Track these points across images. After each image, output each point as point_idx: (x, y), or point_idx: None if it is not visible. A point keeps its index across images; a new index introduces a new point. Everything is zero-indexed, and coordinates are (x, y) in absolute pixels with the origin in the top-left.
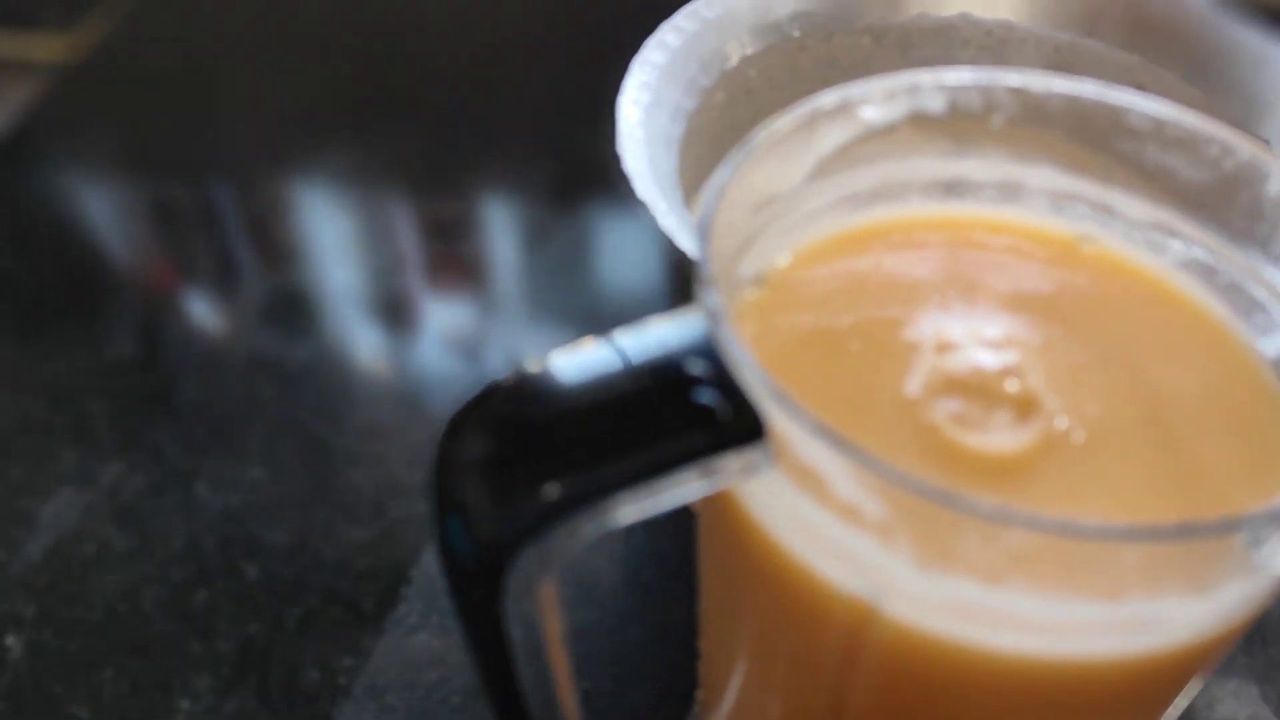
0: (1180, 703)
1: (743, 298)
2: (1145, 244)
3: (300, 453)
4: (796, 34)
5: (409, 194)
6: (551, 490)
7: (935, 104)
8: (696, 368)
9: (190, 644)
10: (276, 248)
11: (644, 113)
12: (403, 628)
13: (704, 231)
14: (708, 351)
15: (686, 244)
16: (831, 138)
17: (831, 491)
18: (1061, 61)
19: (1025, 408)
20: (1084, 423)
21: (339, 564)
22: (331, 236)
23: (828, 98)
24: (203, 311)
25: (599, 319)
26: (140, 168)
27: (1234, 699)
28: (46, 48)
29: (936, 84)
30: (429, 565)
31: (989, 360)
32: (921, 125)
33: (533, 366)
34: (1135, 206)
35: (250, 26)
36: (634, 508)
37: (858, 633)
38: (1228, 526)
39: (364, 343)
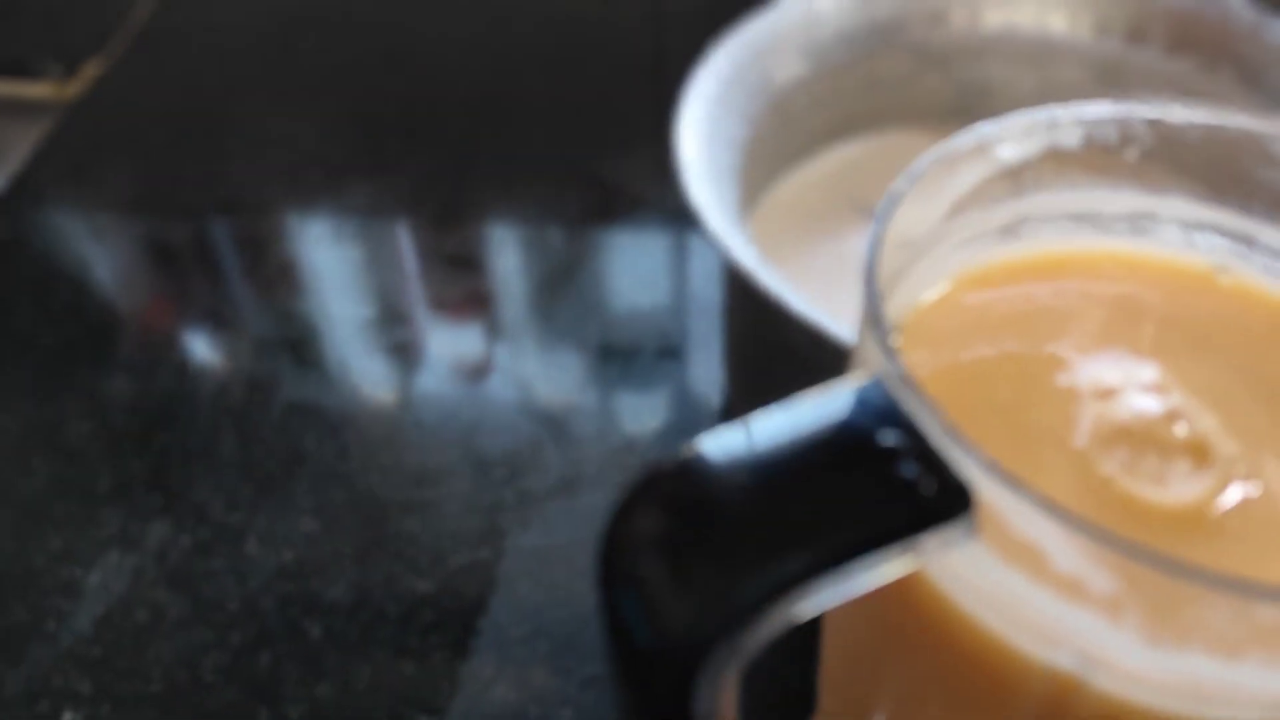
0: None
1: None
2: None
3: (351, 503)
4: (840, 55)
5: (425, 225)
6: (751, 580)
7: (1071, 139)
8: (889, 438)
9: (258, 712)
10: (297, 287)
11: (702, 147)
12: (478, 681)
13: (871, 292)
14: (898, 419)
15: (766, 280)
16: (968, 178)
17: (1049, 565)
18: (1109, 73)
19: (1199, 454)
20: (1258, 466)
21: (404, 617)
22: (348, 273)
23: (964, 139)
24: (231, 358)
25: (622, 348)
26: (149, 209)
27: None
28: (47, 91)
29: (1073, 119)
30: (497, 614)
31: (1152, 405)
32: (1058, 159)
33: (689, 450)
34: (1273, 235)
35: (253, 61)
36: (830, 594)
37: (1056, 712)
38: None
39: (402, 385)
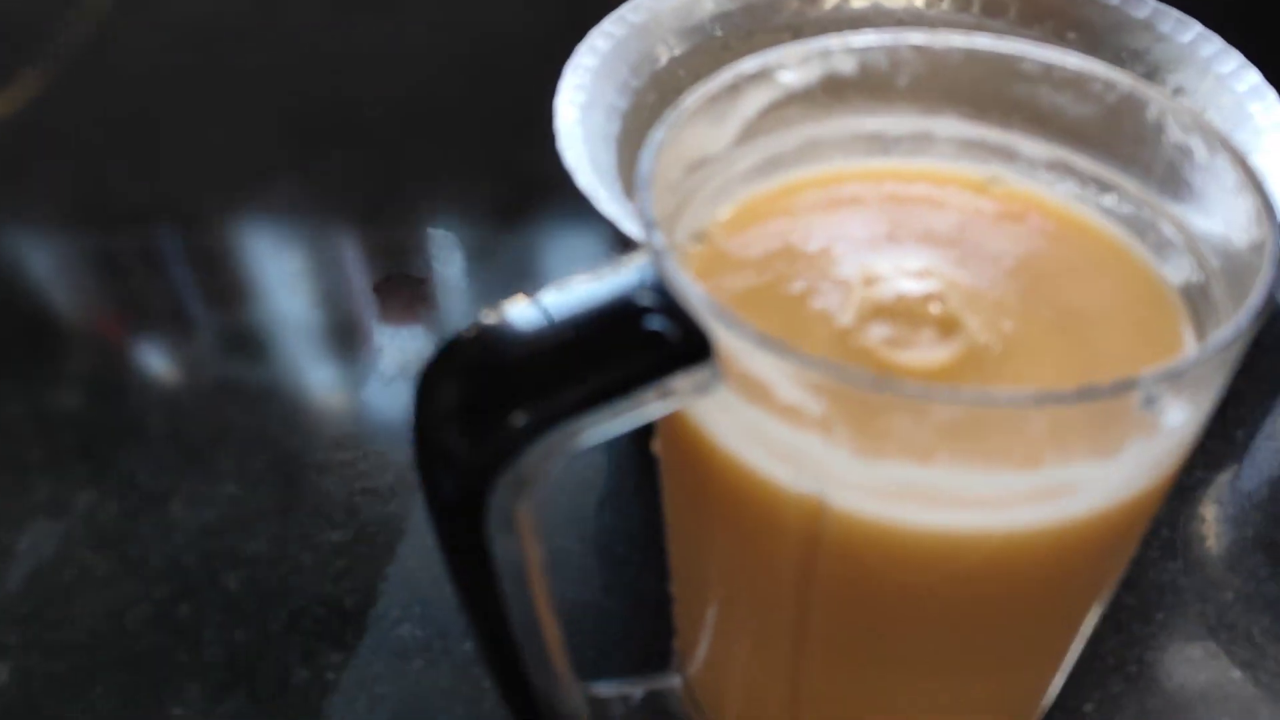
0: (1103, 591)
1: (684, 253)
2: (1047, 180)
3: (272, 467)
4: (719, 34)
5: (357, 222)
6: (519, 417)
7: (846, 66)
8: (645, 299)
9: (178, 654)
10: (231, 284)
11: (580, 112)
12: (386, 621)
13: (644, 182)
14: (655, 284)
15: (630, 230)
16: (754, 101)
17: (775, 396)
18: None
19: (948, 327)
20: (1000, 337)
21: (318, 566)
22: (283, 269)
23: (749, 63)
24: (165, 350)
25: None
26: (86, 216)
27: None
28: None
29: (846, 47)
30: (405, 559)
31: (912, 288)
32: (836, 87)
33: (489, 317)
34: (1034, 147)
35: (187, 71)
36: (598, 429)
37: (811, 532)
38: (1122, 386)
39: (326, 365)
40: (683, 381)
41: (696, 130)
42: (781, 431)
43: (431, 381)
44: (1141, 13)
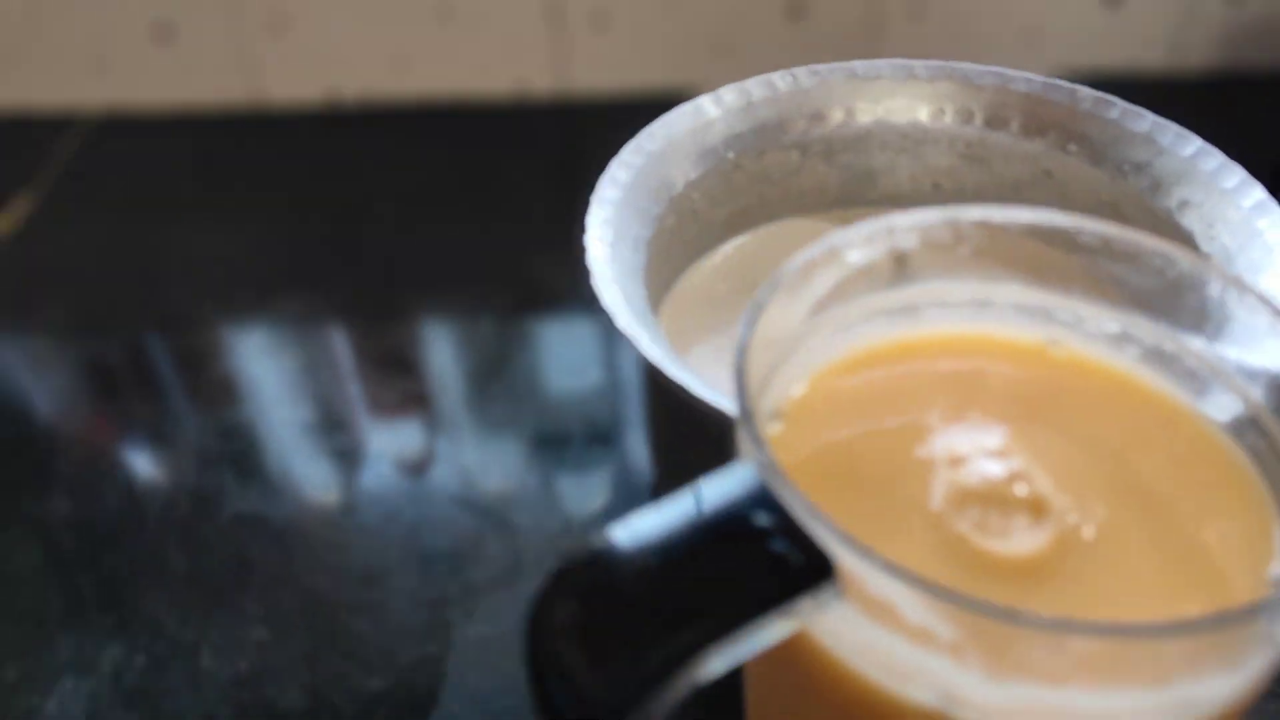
0: None
1: (767, 434)
2: (1107, 343)
3: (300, 608)
4: (731, 155)
5: (359, 330)
6: (651, 656)
7: (909, 242)
8: (762, 519)
9: None
10: (236, 399)
11: (610, 249)
12: None
13: (741, 390)
14: (768, 503)
15: (674, 371)
16: (824, 281)
17: (901, 617)
18: (973, 154)
19: (1037, 510)
20: (1089, 517)
21: (358, 717)
22: (286, 382)
23: (818, 249)
24: (175, 474)
25: (557, 436)
26: (85, 333)
27: None
28: None
29: (910, 225)
30: (449, 707)
31: (995, 469)
32: (900, 259)
33: (599, 540)
34: (1094, 312)
35: (179, 184)
36: (723, 658)
37: None
38: (1254, 611)
39: (345, 487)
40: (806, 603)
41: (771, 316)
42: (906, 650)
43: (548, 613)
44: (1141, 127)
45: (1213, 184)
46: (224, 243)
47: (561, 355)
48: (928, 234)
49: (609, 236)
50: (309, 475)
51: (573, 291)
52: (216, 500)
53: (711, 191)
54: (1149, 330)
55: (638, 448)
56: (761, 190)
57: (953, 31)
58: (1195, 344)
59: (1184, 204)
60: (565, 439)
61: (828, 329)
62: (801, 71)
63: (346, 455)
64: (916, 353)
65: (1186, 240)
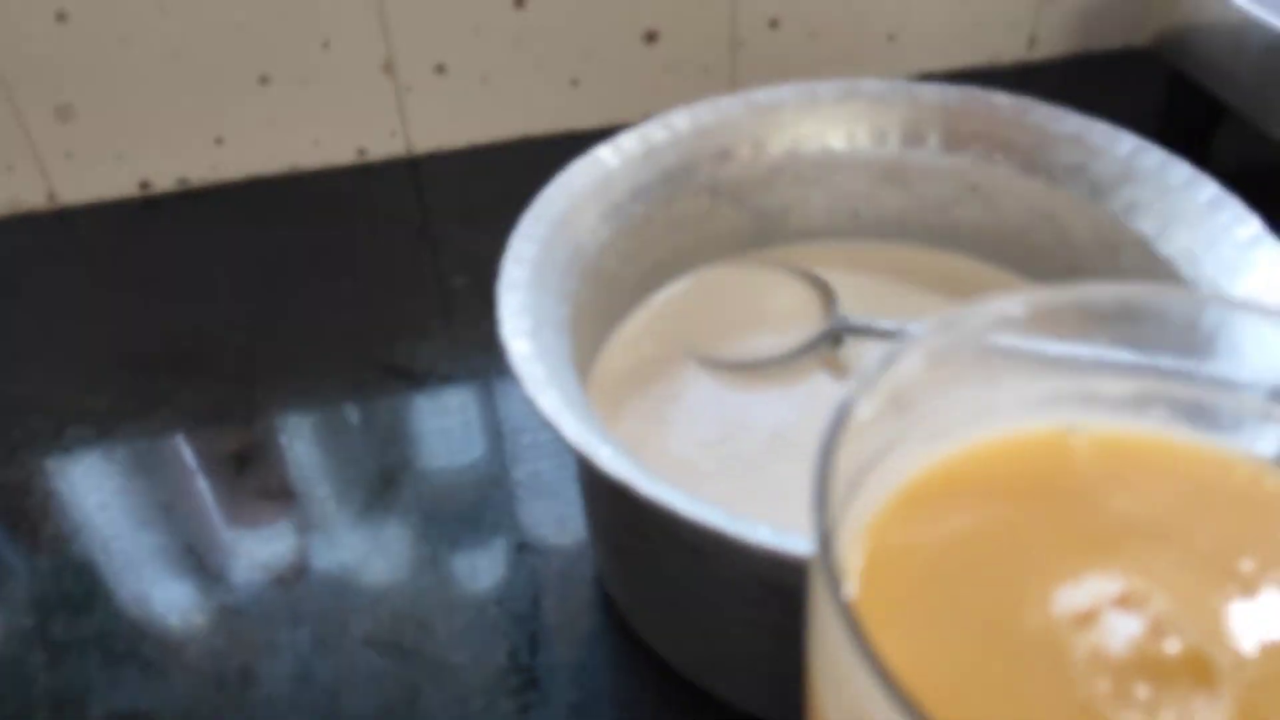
0: None
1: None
2: (1129, 410)
3: None
4: (639, 209)
5: (216, 447)
6: None
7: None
8: None
9: None
10: (76, 546)
11: (531, 343)
12: None
13: (828, 564)
14: None
15: (643, 489)
16: (868, 408)
17: None
18: (891, 176)
19: (1198, 672)
20: (1256, 666)
21: None
22: (135, 517)
23: (862, 384)
24: (34, 661)
25: (428, 514)
26: None
27: None
28: None
29: (986, 317)
30: None
31: (1133, 625)
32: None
33: None
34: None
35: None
36: None
37: None
38: None
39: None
40: None
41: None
42: None
43: None
44: (1067, 128)
45: (1159, 181)
46: (38, 366)
47: (437, 430)
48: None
49: (526, 325)
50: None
51: (443, 370)
52: (84, 700)
53: (624, 250)
54: (1159, 377)
55: (532, 507)
56: (675, 240)
57: (811, 41)
58: (1207, 377)
59: (1131, 206)
60: (457, 514)
61: (899, 436)
62: (701, 107)
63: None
64: (956, 483)
65: (1139, 244)
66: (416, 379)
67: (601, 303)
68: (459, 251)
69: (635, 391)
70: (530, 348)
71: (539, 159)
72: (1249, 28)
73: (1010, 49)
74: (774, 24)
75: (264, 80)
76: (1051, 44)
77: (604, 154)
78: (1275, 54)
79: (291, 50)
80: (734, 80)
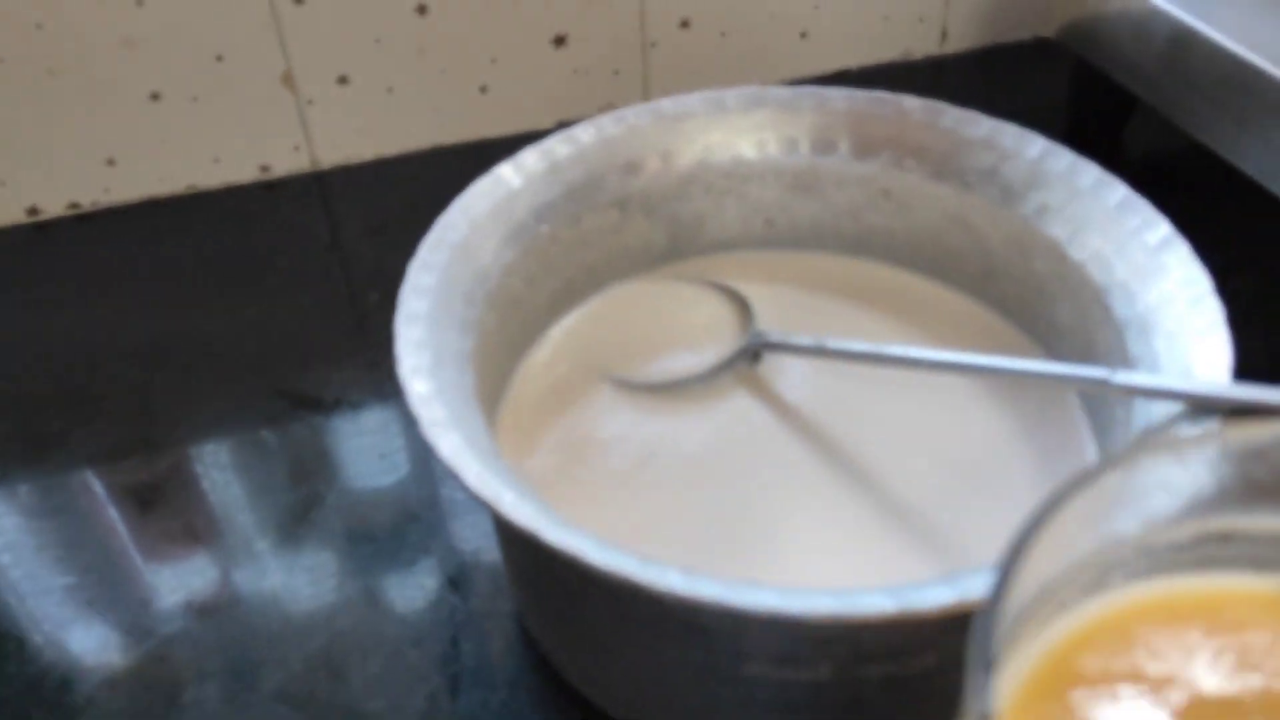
0: None
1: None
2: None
3: None
4: (545, 228)
5: (123, 481)
6: None
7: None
8: None
9: None
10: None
11: (430, 380)
12: None
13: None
14: None
15: (536, 527)
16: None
17: None
18: (803, 184)
19: None
20: None
21: None
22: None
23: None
24: None
25: (344, 551)
26: None
27: None
28: None
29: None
30: None
31: None
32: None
33: None
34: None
35: None
36: None
37: None
38: None
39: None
40: None
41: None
42: None
43: None
44: (978, 131)
45: (1068, 184)
46: None
47: (354, 457)
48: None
49: (426, 361)
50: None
51: (353, 387)
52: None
53: (530, 272)
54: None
55: (454, 548)
56: (584, 258)
57: (724, 41)
58: None
59: (1042, 210)
60: (372, 555)
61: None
62: (606, 120)
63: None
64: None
65: (1051, 249)
66: (329, 405)
67: (510, 329)
68: (371, 267)
69: (549, 420)
70: (430, 386)
71: (450, 168)
72: (1153, 18)
73: (922, 44)
74: (685, 24)
75: (155, 97)
76: (963, 38)
77: (505, 173)
78: (1180, 45)
79: (183, 65)
80: (646, 82)
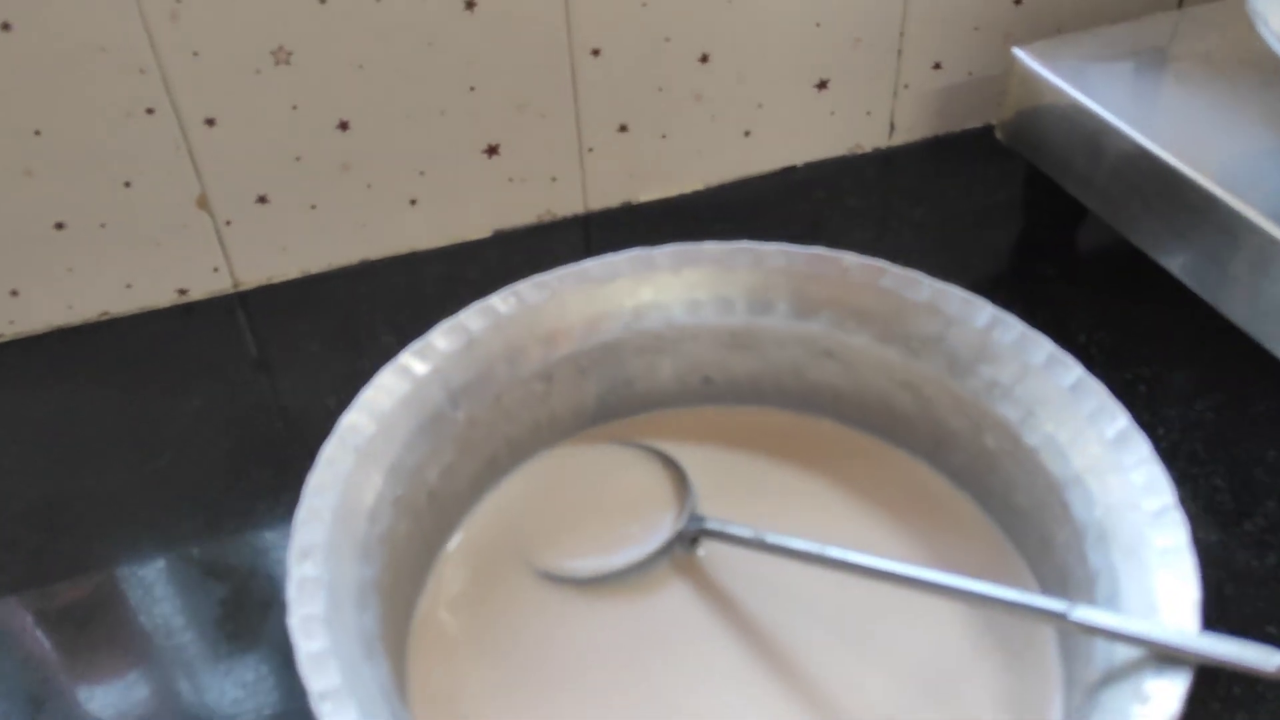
0: None
1: None
2: None
3: None
4: (461, 415)
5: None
6: None
7: None
8: None
9: None
10: None
11: (326, 629)
12: None
13: None
14: None
15: None
16: None
17: None
18: (740, 343)
19: None
20: None
21: None
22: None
23: None
24: None
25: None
26: None
27: None
28: None
29: None
30: None
31: None
32: None
33: None
34: None
35: None
36: None
37: None
38: None
39: None
40: None
41: None
42: None
43: None
44: (920, 295)
45: (1019, 359)
46: None
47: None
48: None
49: (320, 607)
50: None
51: (279, 545)
52: None
53: (446, 462)
54: None
55: None
56: (507, 433)
57: (664, 144)
58: None
59: (992, 386)
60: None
61: None
62: (525, 286)
63: None
64: None
65: (1003, 428)
66: (243, 575)
67: (424, 528)
68: (298, 391)
69: (472, 626)
70: (324, 645)
71: (381, 282)
72: (1082, 118)
73: (871, 137)
74: (623, 129)
75: (60, 226)
76: (911, 129)
77: (409, 361)
78: (1126, 158)
79: (88, 193)
80: (585, 188)
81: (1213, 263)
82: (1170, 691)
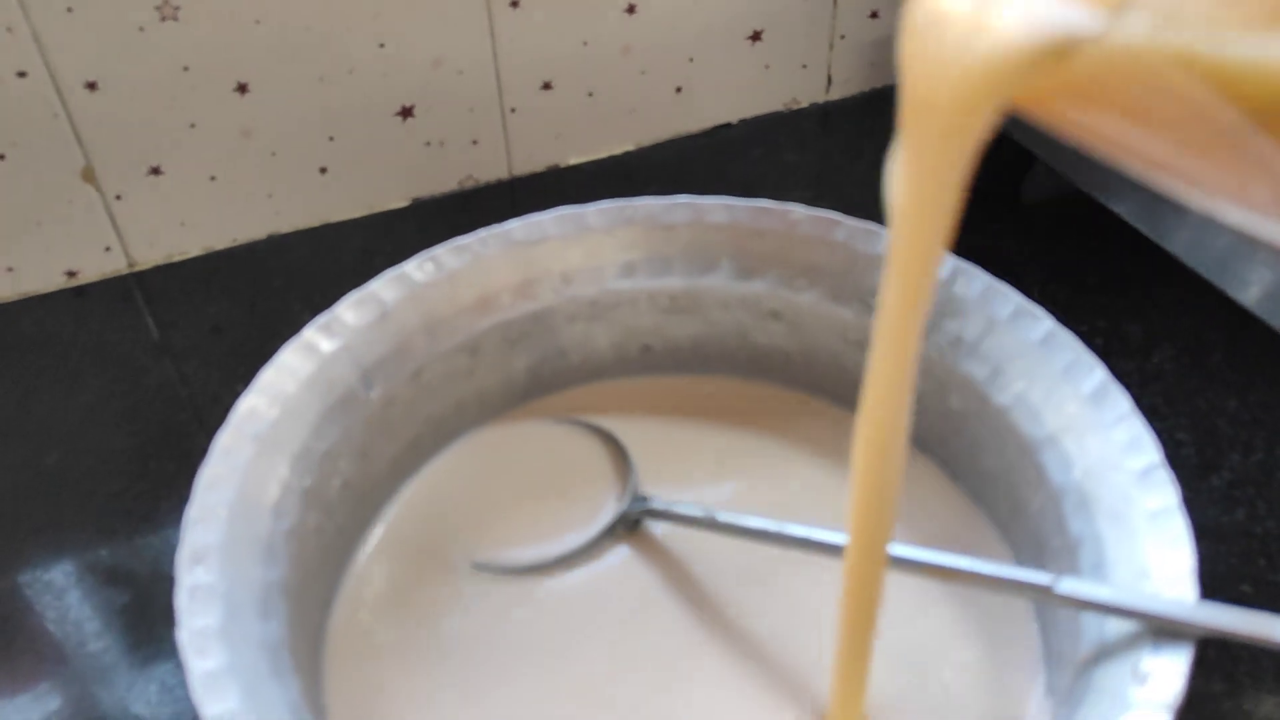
0: None
1: None
2: None
3: None
4: (375, 394)
5: None
6: None
7: None
8: None
9: None
10: None
11: (223, 644)
12: None
13: None
14: None
15: None
16: None
17: None
18: (680, 307)
19: None
20: None
21: None
22: None
23: None
24: None
25: None
26: None
27: None
28: None
29: None
30: None
31: None
32: None
33: None
34: None
35: None
36: None
37: None
38: None
39: None
40: None
41: None
42: None
43: None
44: (875, 247)
45: (984, 313)
46: None
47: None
48: None
49: (215, 618)
50: None
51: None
52: None
53: (360, 448)
54: None
55: None
56: (429, 412)
57: (591, 101)
58: None
59: (957, 342)
60: None
61: None
62: (443, 251)
63: None
64: None
65: (969, 387)
66: (145, 580)
67: (340, 520)
68: (204, 378)
69: (398, 628)
70: (219, 659)
71: (293, 257)
72: None
73: (807, 91)
74: (547, 86)
75: None
76: (849, 82)
77: (313, 337)
78: None
79: None
80: (509, 151)
81: (1161, 203)
82: (1171, 669)
